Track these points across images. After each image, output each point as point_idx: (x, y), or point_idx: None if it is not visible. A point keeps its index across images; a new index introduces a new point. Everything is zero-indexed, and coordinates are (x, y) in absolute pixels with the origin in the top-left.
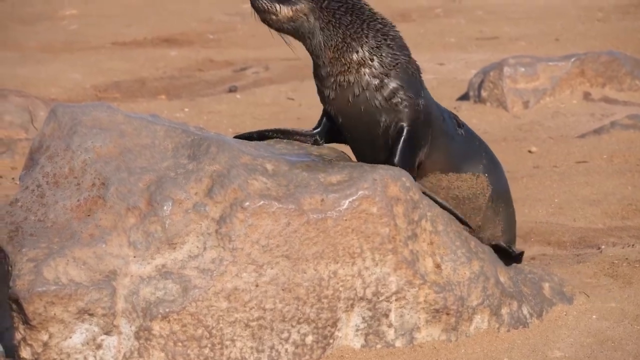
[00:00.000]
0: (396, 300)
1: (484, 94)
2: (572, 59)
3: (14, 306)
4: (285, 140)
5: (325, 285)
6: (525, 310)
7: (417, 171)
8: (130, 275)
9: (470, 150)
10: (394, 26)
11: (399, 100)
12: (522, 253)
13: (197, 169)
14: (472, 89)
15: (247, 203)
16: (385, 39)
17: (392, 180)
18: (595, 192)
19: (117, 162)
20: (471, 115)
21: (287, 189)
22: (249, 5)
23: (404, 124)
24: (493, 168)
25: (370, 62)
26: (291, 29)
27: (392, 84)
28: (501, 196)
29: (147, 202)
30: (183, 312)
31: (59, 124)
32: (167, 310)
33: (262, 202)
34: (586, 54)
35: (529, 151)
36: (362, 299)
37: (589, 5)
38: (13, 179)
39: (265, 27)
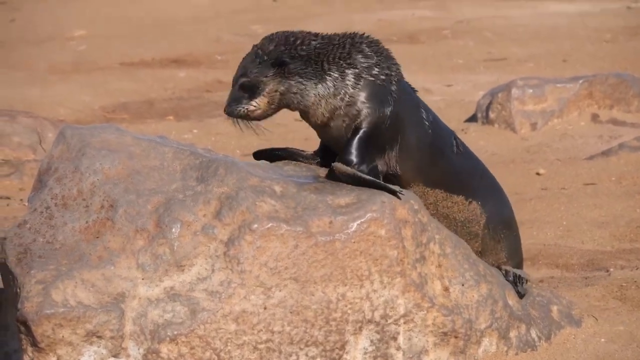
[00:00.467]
0: (404, 323)
1: (492, 115)
2: (580, 81)
3: (22, 328)
4: (293, 162)
5: (333, 308)
6: (533, 333)
7: (380, 174)
8: (139, 298)
9: (463, 172)
10: (356, 40)
11: (360, 109)
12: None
13: (206, 191)
14: (480, 111)
15: (256, 225)
16: (348, 64)
17: (400, 203)
18: (604, 214)
19: (126, 184)
20: (479, 137)
21: (295, 211)
22: (257, 25)
23: (362, 127)
24: (491, 195)
25: (336, 96)
26: (277, 109)
27: (357, 106)
28: (502, 224)
29: (155, 224)
30: (191, 335)
31: (67, 146)
32: (175, 332)
33: (270, 224)
34: (594, 75)
35: (537, 173)
36: (370, 321)
37: (597, 27)
38: (21, 200)
39: None
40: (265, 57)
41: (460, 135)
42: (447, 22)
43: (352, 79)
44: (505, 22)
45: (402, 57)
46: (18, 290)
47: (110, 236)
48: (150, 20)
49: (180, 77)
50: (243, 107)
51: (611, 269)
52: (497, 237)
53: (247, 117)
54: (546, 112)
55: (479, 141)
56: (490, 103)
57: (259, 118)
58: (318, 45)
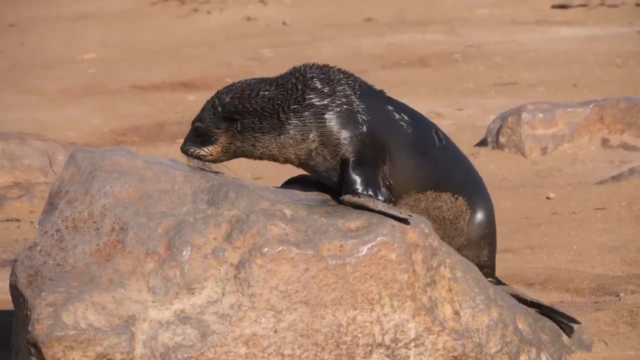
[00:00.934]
0: (415, 346)
1: (502, 140)
2: (591, 105)
3: (33, 350)
4: (304, 186)
5: (343, 332)
6: (543, 357)
7: (386, 189)
8: (149, 320)
9: (448, 167)
10: (304, 77)
11: (337, 142)
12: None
13: (216, 214)
14: (491, 135)
15: (266, 248)
16: (303, 107)
17: (411, 227)
18: (614, 239)
19: (137, 206)
20: (489, 161)
21: (305, 234)
22: (267, 49)
23: (349, 156)
24: (475, 189)
25: (305, 141)
26: (233, 157)
27: (332, 142)
28: (485, 219)
29: (166, 247)
30: (202, 358)
31: (78, 169)
32: (185, 355)
33: (280, 247)
34: (605, 100)
35: (547, 197)
36: (380, 345)
37: (607, 51)
38: (32, 222)
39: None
40: (220, 109)
41: (471, 159)
42: (458, 46)
43: (314, 120)
44: (516, 47)
45: (412, 81)
46: (28, 312)
47: (121, 259)
48: (160, 43)
49: (190, 101)
50: (195, 151)
51: (621, 294)
52: (481, 233)
53: (201, 159)
54: (556, 137)
55: (489, 165)
56: (500, 127)
57: (216, 161)
58: (272, 96)
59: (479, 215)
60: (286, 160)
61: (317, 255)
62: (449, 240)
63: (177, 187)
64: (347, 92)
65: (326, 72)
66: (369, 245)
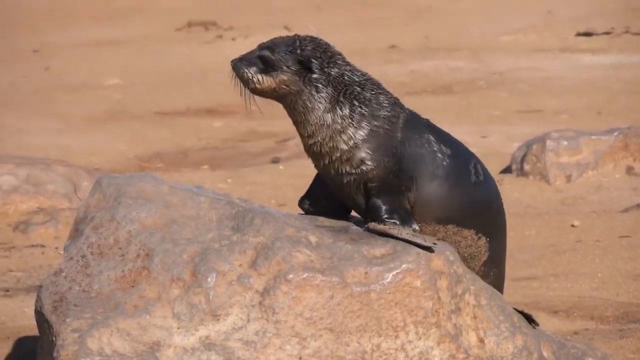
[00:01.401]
0: None
1: (526, 167)
2: (615, 133)
3: None
4: (330, 213)
5: (368, 359)
6: None
7: (411, 214)
8: (174, 347)
9: (479, 203)
10: (374, 84)
11: (366, 167)
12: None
13: (242, 241)
14: (515, 162)
15: (291, 275)
16: (361, 106)
17: (436, 254)
18: (639, 267)
19: (162, 233)
20: (514, 189)
21: (331, 261)
22: None
23: (373, 183)
24: (498, 232)
25: (341, 134)
26: (273, 97)
27: (360, 154)
28: (495, 262)
29: (191, 274)
30: None
31: (104, 195)
32: None
33: (306, 274)
34: (629, 127)
35: (572, 225)
36: None
37: (632, 79)
38: (56, 248)
39: None
40: (299, 51)
41: None
42: (482, 74)
43: (359, 123)
44: (540, 74)
45: (437, 108)
46: (54, 338)
47: (146, 285)
48: (185, 70)
49: (214, 127)
50: (249, 73)
51: None
52: (488, 272)
53: (247, 83)
54: (581, 164)
55: (514, 193)
56: (525, 155)
57: (256, 92)
58: (347, 74)
59: (493, 262)
60: (311, 140)
61: (342, 282)
62: None
63: (203, 213)
64: (395, 118)
65: (389, 94)
66: (394, 273)
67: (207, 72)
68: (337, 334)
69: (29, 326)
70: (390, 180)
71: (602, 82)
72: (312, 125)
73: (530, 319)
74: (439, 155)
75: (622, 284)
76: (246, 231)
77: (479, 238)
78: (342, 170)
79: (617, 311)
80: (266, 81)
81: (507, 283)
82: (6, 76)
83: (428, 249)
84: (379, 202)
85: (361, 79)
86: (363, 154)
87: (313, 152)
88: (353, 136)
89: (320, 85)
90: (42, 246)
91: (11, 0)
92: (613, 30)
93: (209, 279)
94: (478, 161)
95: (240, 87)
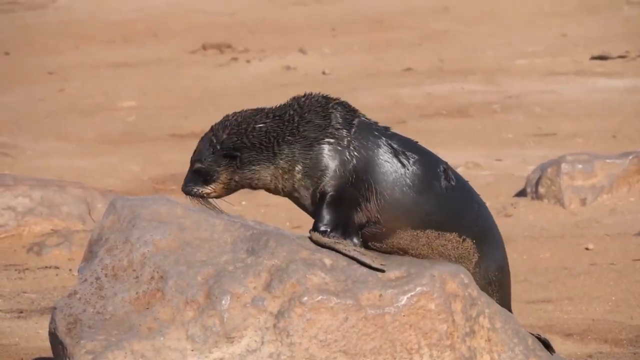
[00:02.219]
0: None
1: (541, 190)
2: (630, 157)
3: None
4: None
5: None
6: None
7: (358, 234)
8: None
9: (455, 209)
10: (304, 111)
11: (319, 175)
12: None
13: (256, 263)
14: (530, 185)
15: (306, 298)
16: (298, 140)
17: (450, 277)
18: None
19: (176, 255)
20: (528, 212)
21: (345, 284)
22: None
23: (326, 191)
24: (485, 235)
25: (294, 173)
26: (234, 190)
27: (315, 173)
28: (494, 266)
29: (205, 296)
30: None
31: (118, 217)
32: None
33: (320, 297)
34: None
35: (586, 248)
36: None
37: None
38: (70, 270)
39: None
40: (218, 147)
41: (510, 210)
42: (497, 97)
43: (303, 152)
44: (555, 97)
45: (451, 131)
46: None
47: (160, 307)
48: (199, 92)
49: None
50: (199, 190)
51: None
52: (489, 279)
53: (204, 198)
54: (596, 188)
55: (528, 216)
56: (539, 178)
57: (217, 197)
58: (268, 129)
59: (487, 262)
60: (275, 192)
61: (357, 305)
62: None
63: (217, 235)
64: (341, 127)
65: (324, 105)
66: (409, 295)
67: (222, 95)
68: (351, 357)
69: (43, 348)
70: (345, 191)
71: (617, 106)
72: (273, 184)
73: (547, 345)
74: (401, 161)
75: (636, 307)
76: (260, 254)
77: (464, 240)
78: (309, 195)
79: (631, 334)
80: (216, 187)
81: (521, 305)
82: (21, 98)
83: (378, 270)
84: (325, 212)
85: (285, 116)
86: (317, 171)
87: (287, 196)
88: (302, 166)
89: (252, 159)
90: (56, 268)
91: (26, 21)
92: (628, 54)
93: (223, 302)
94: (448, 166)
95: (202, 203)
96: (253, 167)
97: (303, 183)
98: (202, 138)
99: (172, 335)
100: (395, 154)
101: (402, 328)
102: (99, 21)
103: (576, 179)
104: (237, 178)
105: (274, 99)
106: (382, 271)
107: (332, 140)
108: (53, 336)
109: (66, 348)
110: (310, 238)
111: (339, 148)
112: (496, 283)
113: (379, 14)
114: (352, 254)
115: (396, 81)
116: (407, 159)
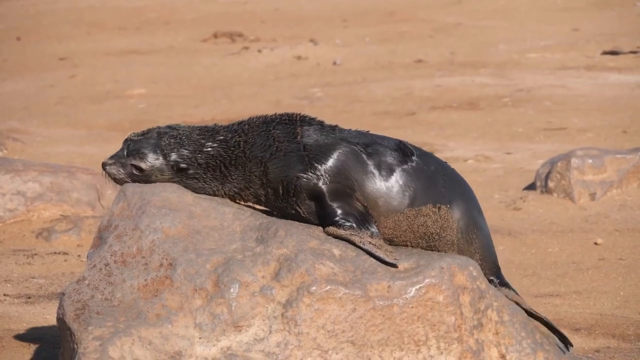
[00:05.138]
0: None
1: (551, 184)
2: None
3: None
4: None
5: None
6: None
7: (369, 214)
8: (195, 357)
9: (422, 179)
10: (249, 137)
11: (292, 191)
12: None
13: (265, 252)
14: (539, 179)
15: (314, 287)
16: (247, 162)
17: (459, 269)
18: None
19: (185, 243)
20: (538, 206)
21: (354, 274)
22: (317, 89)
23: (319, 188)
24: (457, 195)
25: (248, 188)
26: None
27: (283, 185)
28: (471, 225)
29: (214, 284)
30: None
31: (128, 204)
32: None
33: (328, 287)
34: None
35: (595, 243)
36: None
37: None
38: (79, 256)
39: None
40: (164, 158)
41: (519, 204)
42: (507, 90)
43: (256, 169)
44: (565, 92)
45: (462, 124)
46: (75, 346)
47: (169, 294)
48: (210, 80)
49: None
50: (120, 173)
51: None
52: (470, 239)
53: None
54: (605, 183)
55: (537, 210)
56: (549, 172)
57: (141, 179)
58: (215, 153)
59: (465, 222)
60: (240, 200)
61: (365, 296)
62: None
63: (227, 224)
64: (289, 138)
65: (268, 123)
66: (417, 287)
67: (233, 84)
68: (358, 347)
69: (51, 333)
70: (334, 186)
71: (628, 101)
72: (231, 196)
73: (565, 340)
74: (358, 149)
75: None
76: (270, 243)
77: (439, 209)
78: (278, 203)
79: (638, 330)
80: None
81: (529, 299)
82: (32, 84)
83: (391, 265)
84: (329, 207)
85: (231, 142)
86: (283, 185)
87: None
88: (261, 180)
89: (198, 175)
90: (65, 254)
91: (38, 7)
92: (639, 49)
93: (231, 290)
94: (403, 143)
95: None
96: (202, 184)
97: (271, 195)
98: (146, 137)
99: (180, 323)
100: (347, 144)
101: (410, 319)
102: (110, 8)
103: (586, 173)
104: (184, 185)
105: (285, 88)
106: (395, 266)
107: (282, 153)
108: (61, 322)
109: (74, 334)
110: (327, 232)
111: (295, 156)
112: (476, 240)
113: (391, 5)
114: (366, 247)
115: (407, 73)
116: (365, 148)
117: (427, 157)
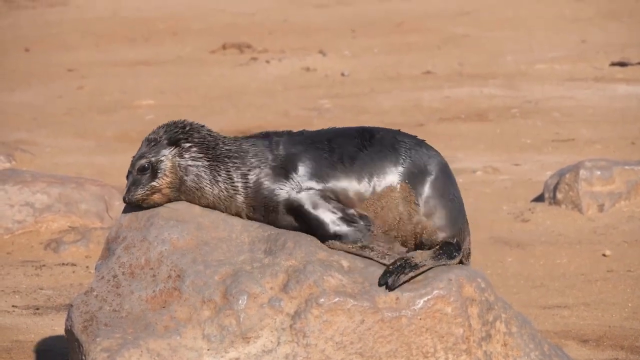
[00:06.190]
0: None
1: (559, 195)
2: None
3: None
4: None
5: None
6: None
7: (354, 215)
8: None
9: (379, 162)
10: (220, 156)
11: (277, 198)
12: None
13: (273, 264)
14: (548, 191)
15: (322, 299)
16: (223, 183)
17: (467, 281)
18: None
19: (194, 254)
20: (546, 217)
21: (362, 286)
22: (326, 100)
23: (296, 202)
24: (415, 166)
25: (231, 198)
26: (177, 192)
27: (268, 200)
28: (430, 194)
29: (222, 296)
30: None
31: (136, 215)
32: None
33: (337, 298)
34: None
35: (603, 255)
36: None
37: None
38: (87, 267)
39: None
40: (163, 138)
41: (527, 215)
42: (516, 101)
43: (233, 192)
44: (574, 103)
45: (470, 135)
46: (83, 357)
47: (177, 306)
48: (218, 91)
49: None
50: (142, 189)
51: None
52: (430, 209)
53: (146, 201)
54: (614, 194)
55: (545, 221)
56: (557, 183)
57: (160, 201)
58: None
59: (423, 190)
60: (225, 211)
61: (373, 307)
62: (415, 242)
63: (235, 235)
64: (259, 160)
65: (238, 146)
66: (425, 299)
67: (241, 94)
68: (367, 359)
69: (59, 345)
70: (303, 196)
71: (636, 112)
72: (216, 205)
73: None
74: (319, 148)
75: None
76: (278, 254)
77: (399, 185)
78: (261, 216)
79: None
80: (160, 181)
81: (537, 311)
82: (40, 94)
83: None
84: (314, 218)
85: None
86: (268, 202)
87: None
88: (241, 202)
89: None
90: (73, 265)
91: (46, 18)
92: None
93: (240, 301)
94: (364, 129)
95: (153, 200)
96: (194, 194)
97: (251, 210)
98: (141, 149)
99: (189, 334)
100: (313, 145)
101: (418, 331)
102: (119, 19)
103: (594, 185)
104: (183, 166)
105: (293, 99)
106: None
107: (256, 173)
108: (69, 333)
109: (82, 345)
110: (331, 246)
111: (269, 175)
112: (441, 207)
113: (399, 16)
114: (375, 259)
115: (415, 84)
116: (330, 143)
117: (387, 139)
